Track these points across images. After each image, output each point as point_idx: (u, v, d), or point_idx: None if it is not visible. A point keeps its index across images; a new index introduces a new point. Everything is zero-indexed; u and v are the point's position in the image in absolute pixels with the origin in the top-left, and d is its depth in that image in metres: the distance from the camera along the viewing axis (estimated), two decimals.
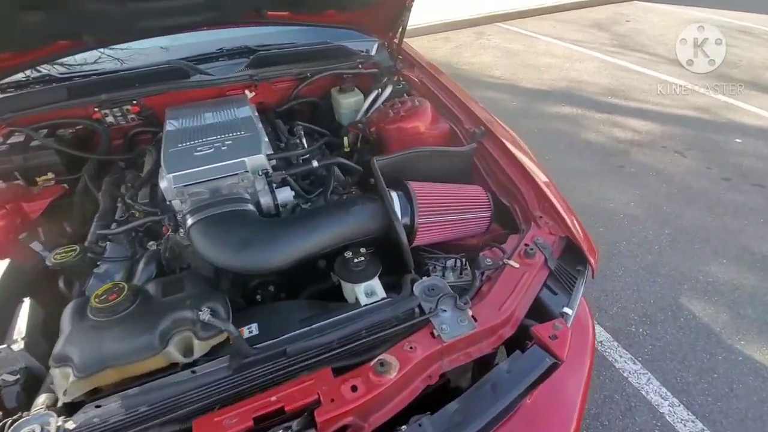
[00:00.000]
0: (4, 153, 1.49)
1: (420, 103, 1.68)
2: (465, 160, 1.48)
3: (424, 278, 1.11)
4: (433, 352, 0.96)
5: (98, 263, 1.21)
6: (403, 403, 0.91)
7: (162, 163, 1.24)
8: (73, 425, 0.81)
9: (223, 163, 1.22)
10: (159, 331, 0.91)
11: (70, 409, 0.86)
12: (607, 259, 2.57)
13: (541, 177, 1.41)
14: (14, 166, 1.51)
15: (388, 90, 1.86)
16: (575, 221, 1.31)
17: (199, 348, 0.93)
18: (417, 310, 1.04)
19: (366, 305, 1.08)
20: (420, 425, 0.86)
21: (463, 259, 1.25)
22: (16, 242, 1.31)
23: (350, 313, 1.04)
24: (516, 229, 1.33)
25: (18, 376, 0.94)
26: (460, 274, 1.24)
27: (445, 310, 1.03)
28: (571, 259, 1.23)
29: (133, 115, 1.70)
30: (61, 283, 1.24)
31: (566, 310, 1.06)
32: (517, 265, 1.16)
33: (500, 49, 5.87)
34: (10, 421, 0.82)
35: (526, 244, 1.21)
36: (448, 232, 1.29)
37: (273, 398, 0.85)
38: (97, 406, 0.85)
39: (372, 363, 0.91)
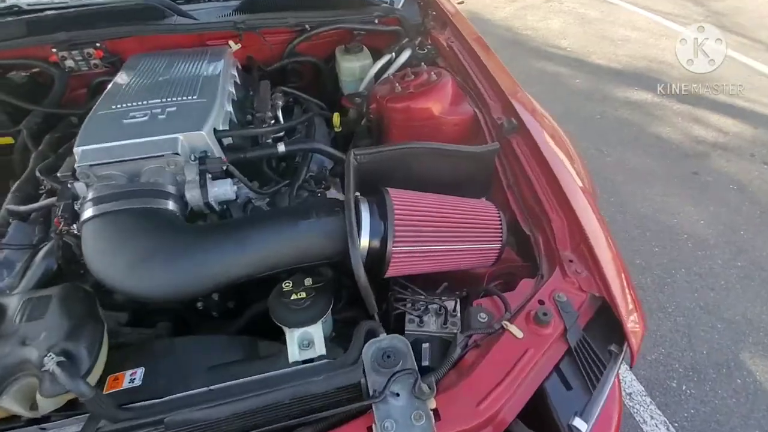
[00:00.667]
0: None
1: (438, 78, 1.29)
2: (481, 164, 1.10)
3: (382, 336, 0.80)
4: None
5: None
6: None
7: (80, 131, 0.97)
8: None
9: (150, 138, 0.93)
10: None
11: None
12: (657, 289, 2.12)
13: (581, 200, 1.02)
14: None
15: (406, 55, 1.47)
16: (621, 274, 0.93)
17: (45, 404, 0.68)
18: (363, 380, 0.75)
19: (295, 363, 0.79)
20: None
21: (453, 303, 0.93)
22: None
23: (267, 375, 0.75)
24: (536, 268, 0.98)
25: None
26: (445, 322, 0.91)
27: (398, 395, 0.71)
28: (603, 331, 0.87)
29: (96, 61, 1.43)
30: None
31: (578, 423, 0.71)
32: (520, 334, 0.81)
33: (572, 14, 5.08)
34: None
35: (540, 302, 0.86)
36: (436, 264, 0.95)
37: None
38: None
39: None
